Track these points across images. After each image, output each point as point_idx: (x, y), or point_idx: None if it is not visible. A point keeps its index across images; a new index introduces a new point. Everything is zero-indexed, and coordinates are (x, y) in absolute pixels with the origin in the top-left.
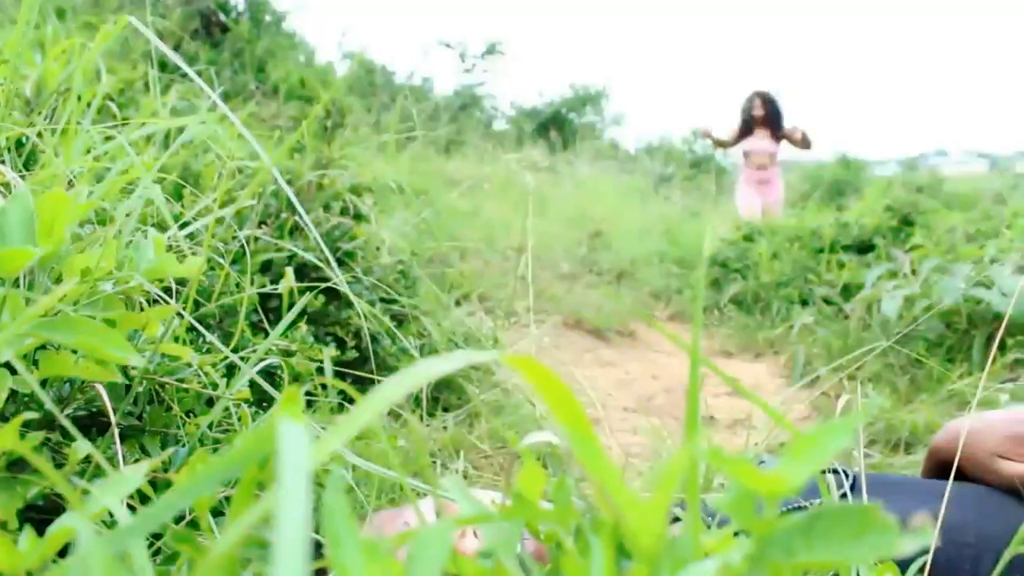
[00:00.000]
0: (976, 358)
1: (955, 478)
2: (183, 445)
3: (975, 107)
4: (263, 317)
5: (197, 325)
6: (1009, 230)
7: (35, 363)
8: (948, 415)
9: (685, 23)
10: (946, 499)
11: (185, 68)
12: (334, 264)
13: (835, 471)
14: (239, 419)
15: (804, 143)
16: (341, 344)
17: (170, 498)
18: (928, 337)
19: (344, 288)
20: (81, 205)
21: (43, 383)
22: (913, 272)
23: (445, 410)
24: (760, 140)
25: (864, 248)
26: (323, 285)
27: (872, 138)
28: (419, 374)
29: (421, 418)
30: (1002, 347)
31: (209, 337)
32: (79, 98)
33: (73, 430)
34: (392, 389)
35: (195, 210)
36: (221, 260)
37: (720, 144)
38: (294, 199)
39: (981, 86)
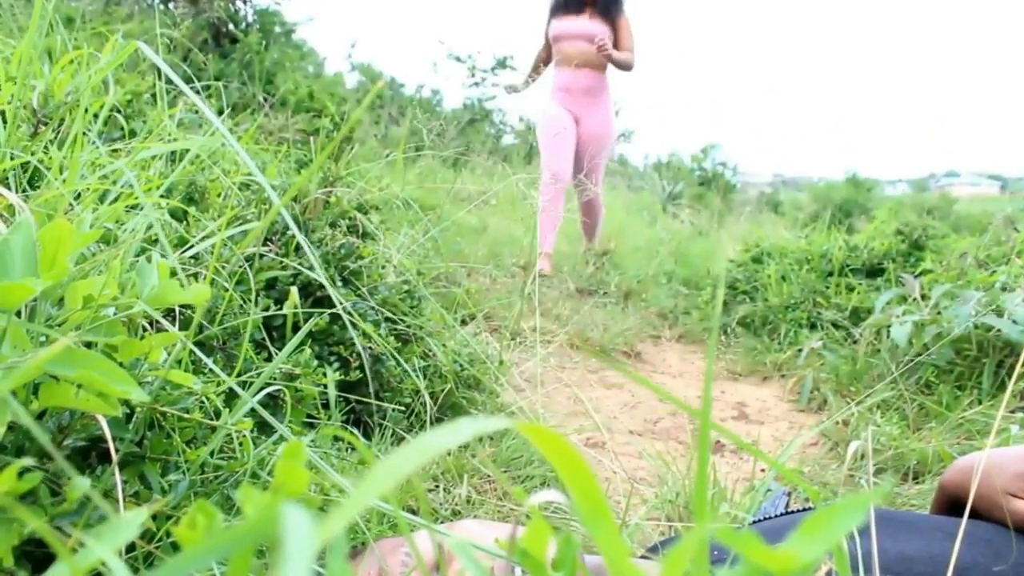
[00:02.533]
0: (986, 386)
1: (964, 515)
2: (184, 472)
3: (987, 128)
4: (267, 336)
5: (199, 353)
6: (1019, 258)
7: (35, 391)
8: (957, 443)
9: (695, 40)
10: (959, 539)
11: (185, 89)
12: (339, 286)
13: None
14: (240, 444)
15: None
16: (345, 364)
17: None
18: (937, 364)
19: (345, 315)
20: (84, 235)
21: (43, 412)
22: (923, 297)
23: None
24: (581, 21)
25: (874, 272)
26: (328, 311)
27: (883, 157)
28: (425, 448)
29: None
30: (1010, 374)
31: (211, 365)
32: (86, 110)
33: (68, 468)
34: (397, 465)
35: (200, 235)
36: (226, 285)
37: (513, 87)
38: (291, 223)
39: (993, 107)
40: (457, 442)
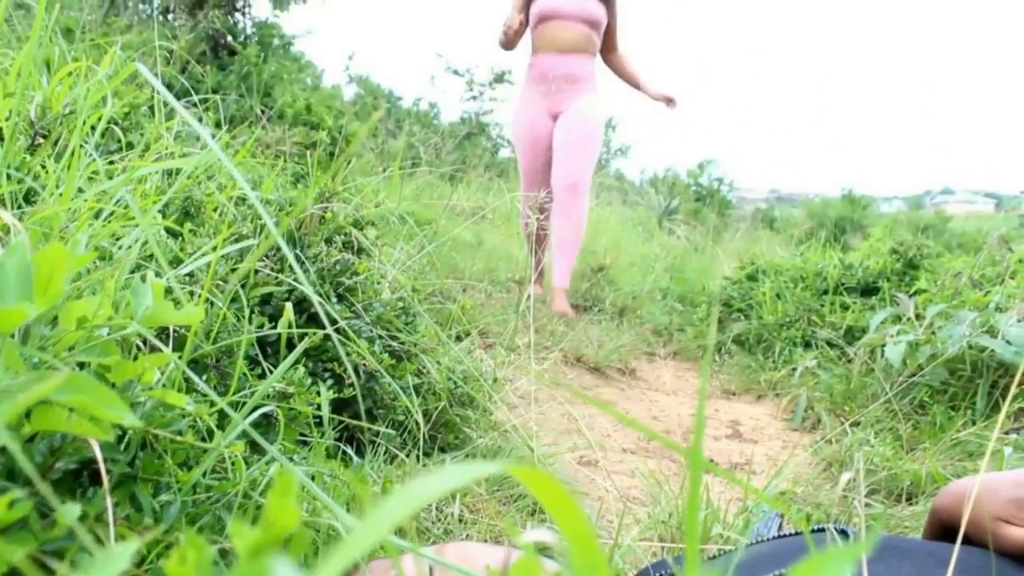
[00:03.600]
0: (980, 407)
1: (957, 541)
2: (175, 493)
3: (983, 146)
4: (260, 352)
5: (192, 375)
6: (1013, 278)
7: (27, 415)
8: (951, 464)
9: (691, 53)
10: (952, 566)
11: (178, 108)
12: (334, 302)
13: (823, 529)
14: (232, 464)
15: (667, 98)
16: (339, 381)
17: None
18: (931, 384)
19: (337, 334)
20: (79, 257)
21: (34, 434)
22: (918, 317)
23: (442, 450)
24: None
25: (868, 291)
26: (322, 332)
27: (878, 174)
28: (416, 496)
29: (418, 459)
30: (1004, 395)
31: (204, 387)
32: (84, 122)
33: (54, 500)
34: (391, 512)
35: (196, 255)
36: (220, 304)
37: (509, 39)
38: (283, 245)
39: (989, 125)
40: (450, 488)
